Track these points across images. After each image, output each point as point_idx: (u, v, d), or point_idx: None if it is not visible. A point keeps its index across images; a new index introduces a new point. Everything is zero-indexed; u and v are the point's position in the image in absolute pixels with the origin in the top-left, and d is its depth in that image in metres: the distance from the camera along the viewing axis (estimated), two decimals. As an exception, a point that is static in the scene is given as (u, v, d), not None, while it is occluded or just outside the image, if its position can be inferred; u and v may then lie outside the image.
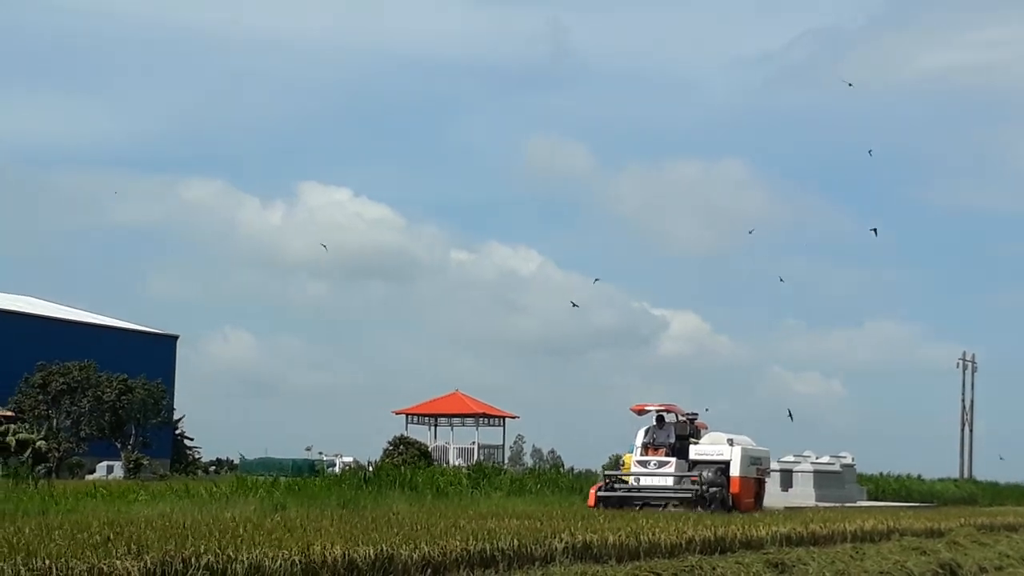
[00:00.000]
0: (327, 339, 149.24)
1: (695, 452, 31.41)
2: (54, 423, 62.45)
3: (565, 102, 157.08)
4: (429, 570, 12.57)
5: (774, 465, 47.54)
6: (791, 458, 49.12)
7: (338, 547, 12.17)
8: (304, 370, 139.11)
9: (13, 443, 58.71)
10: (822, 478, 46.68)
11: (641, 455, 31.83)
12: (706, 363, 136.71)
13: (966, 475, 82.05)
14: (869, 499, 51.76)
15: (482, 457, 63.85)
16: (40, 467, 52.32)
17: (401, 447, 58.11)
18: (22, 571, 9.30)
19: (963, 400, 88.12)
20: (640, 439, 32.39)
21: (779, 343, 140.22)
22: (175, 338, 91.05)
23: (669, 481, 30.74)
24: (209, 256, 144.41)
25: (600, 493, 30.27)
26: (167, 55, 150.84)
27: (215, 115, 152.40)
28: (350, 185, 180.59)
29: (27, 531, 12.61)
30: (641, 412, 33.43)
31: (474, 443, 69.82)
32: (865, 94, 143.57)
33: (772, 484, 46.10)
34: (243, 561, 11.03)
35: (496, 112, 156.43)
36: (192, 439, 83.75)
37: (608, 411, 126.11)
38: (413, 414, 71.12)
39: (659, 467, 31.06)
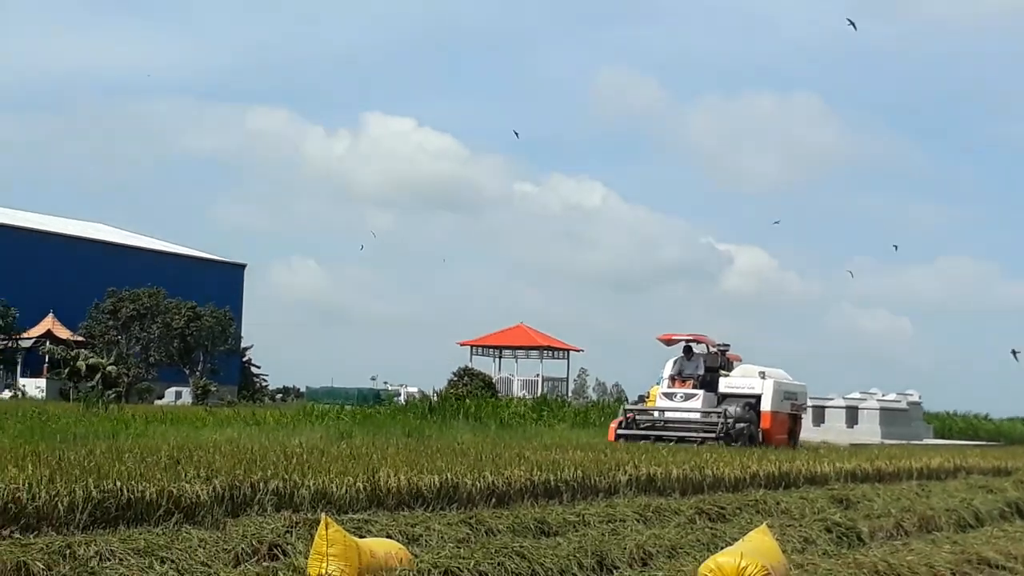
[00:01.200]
0: (393, 269, 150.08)
1: (725, 385, 29.91)
2: (124, 349, 63.31)
3: (637, 35, 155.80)
4: (493, 499, 12.60)
5: (839, 402, 47.50)
6: (857, 395, 48.87)
7: (403, 475, 12.22)
8: (370, 300, 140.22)
9: (83, 368, 59.70)
10: (888, 415, 46.41)
11: (668, 387, 30.28)
12: (773, 299, 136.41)
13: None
14: (935, 437, 51.47)
15: (546, 389, 64.00)
16: (110, 392, 53.08)
17: (466, 378, 58.30)
18: (93, 493, 9.42)
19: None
20: (668, 370, 30.81)
21: (847, 280, 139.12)
22: (243, 267, 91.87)
23: (695, 415, 29.18)
24: (276, 185, 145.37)
25: (621, 428, 28.72)
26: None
27: (285, 45, 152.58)
28: (414, 115, 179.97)
29: (98, 453, 12.77)
30: (669, 342, 31.78)
31: (538, 375, 69.95)
32: (943, 28, 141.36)
33: (838, 421, 46.16)
34: (309, 487, 11.11)
35: (566, 45, 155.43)
36: (259, 367, 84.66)
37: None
38: (478, 346, 71.27)
39: (685, 400, 29.51)
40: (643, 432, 28.64)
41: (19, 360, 64.51)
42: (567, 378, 73.28)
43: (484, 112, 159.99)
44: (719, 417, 28.14)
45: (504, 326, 72.45)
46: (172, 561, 8.32)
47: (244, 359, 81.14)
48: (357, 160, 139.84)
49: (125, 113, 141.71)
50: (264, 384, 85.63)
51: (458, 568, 8.60)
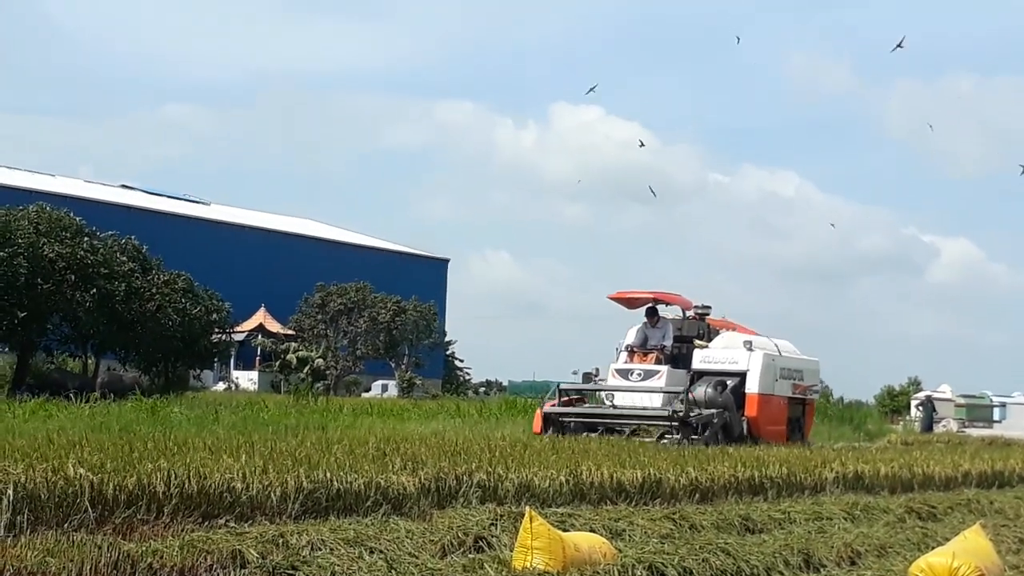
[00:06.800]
0: (587, 261, 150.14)
1: (700, 359, 22.38)
2: (332, 342, 64.70)
3: (830, 20, 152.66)
4: (696, 495, 12.51)
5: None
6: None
7: (605, 469, 12.22)
8: (566, 292, 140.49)
9: (294, 360, 61.31)
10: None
11: (625, 363, 22.84)
12: (981, 292, 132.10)
13: None
14: None
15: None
16: (319, 384, 54.44)
17: (667, 372, 57.90)
18: (304, 483, 9.64)
19: None
20: (628, 340, 23.31)
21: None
22: (446, 261, 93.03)
23: (656, 399, 21.46)
24: (468, 178, 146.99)
25: (549, 411, 21.69)
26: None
27: (482, 39, 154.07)
28: (602, 104, 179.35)
29: (308, 445, 13.09)
30: (630, 303, 23.94)
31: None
32: None
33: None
34: (513, 480, 11.18)
35: (757, 31, 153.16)
36: (462, 360, 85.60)
37: (877, 340, 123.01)
38: (679, 339, 70.63)
39: (644, 378, 22.04)
40: (583, 421, 21.93)
41: (232, 353, 66.52)
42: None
43: (673, 101, 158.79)
44: (681, 401, 20.57)
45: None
46: (381, 551, 8.45)
47: (448, 353, 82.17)
48: (546, 151, 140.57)
49: (333, 108, 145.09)
50: (467, 377, 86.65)
51: (662, 564, 8.54)
